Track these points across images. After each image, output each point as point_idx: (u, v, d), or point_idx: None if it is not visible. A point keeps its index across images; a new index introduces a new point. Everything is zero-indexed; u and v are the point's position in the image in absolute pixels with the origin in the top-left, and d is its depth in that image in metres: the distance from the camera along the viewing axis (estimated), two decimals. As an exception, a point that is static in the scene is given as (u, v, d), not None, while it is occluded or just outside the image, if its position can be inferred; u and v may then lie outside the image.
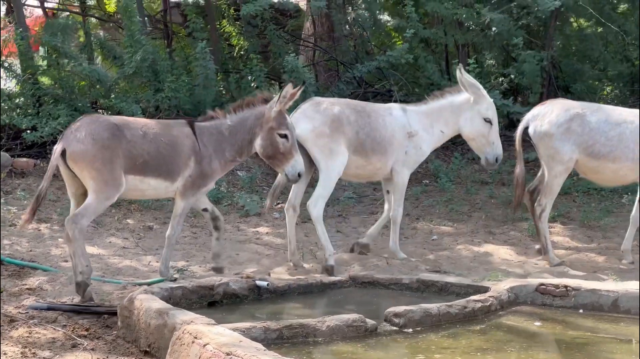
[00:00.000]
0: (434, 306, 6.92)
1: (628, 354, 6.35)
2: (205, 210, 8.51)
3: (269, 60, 16.20)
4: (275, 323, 6.24)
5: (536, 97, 14.52)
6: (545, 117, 9.96)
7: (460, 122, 9.77)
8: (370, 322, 6.52)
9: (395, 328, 6.68)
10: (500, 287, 7.57)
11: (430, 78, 15.04)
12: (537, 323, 7.13)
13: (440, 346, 6.42)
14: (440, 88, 14.55)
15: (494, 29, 14.36)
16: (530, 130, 10.02)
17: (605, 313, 7.31)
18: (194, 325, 5.84)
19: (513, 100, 14.53)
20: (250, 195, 12.06)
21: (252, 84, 14.40)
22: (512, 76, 14.55)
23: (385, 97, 15.15)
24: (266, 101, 8.16)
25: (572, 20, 16.66)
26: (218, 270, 8.51)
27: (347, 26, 16.75)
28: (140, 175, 7.89)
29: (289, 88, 8.03)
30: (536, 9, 13.79)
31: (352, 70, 15.20)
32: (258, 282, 7.58)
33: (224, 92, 15.10)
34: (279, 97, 8.03)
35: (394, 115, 9.76)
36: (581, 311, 7.37)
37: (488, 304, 7.22)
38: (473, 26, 15.14)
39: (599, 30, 16.07)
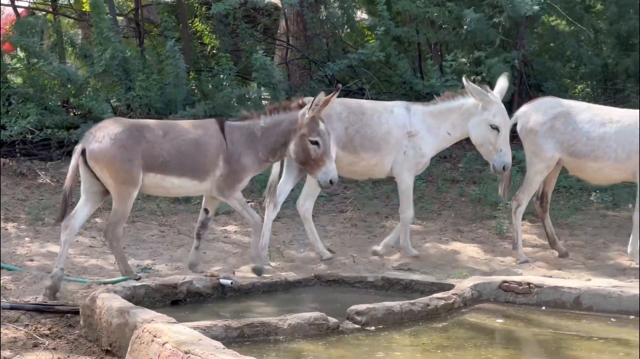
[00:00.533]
0: (396, 304, 6.92)
1: (588, 351, 6.39)
2: (206, 211, 8.59)
3: (242, 58, 16.19)
4: (237, 322, 6.24)
5: (507, 96, 14.54)
6: (532, 114, 10.00)
7: (468, 126, 9.65)
8: (332, 320, 6.51)
9: (357, 326, 6.67)
10: (464, 285, 7.59)
11: (403, 77, 15.05)
12: (500, 320, 7.14)
13: (401, 343, 6.46)
14: (412, 87, 14.72)
15: (465, 27, 14.38)
16: (518, 127, 10.07)
17: (568, 310, 7.34)
18: (154, 324, 5.82)
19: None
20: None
21: (225, 83, 14.37)
22: (484, 74, 14.55)
23: (358, 95, 15.14)
24: (301, 106, 8.23)
25: (544, 19, 16.70)
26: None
27: (320, 24, 16.73)
28: (161, 174, 8.15)
29: (321, 96, 8.07)
30: (509, 9, 13.80)
31: (323, 68, 15.20)
32: (222, 281, 7.57)
33: (195, 91, 15.08)
34: (312, 104, 8.08)
35: (394, 113, 9.75)
36: (543, 308, 7.40)
37: (451, 301, 7.23)
38: (445, 24, 15.17)
39: (572, 28, 16.13)
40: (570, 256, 10.20)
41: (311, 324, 6.41)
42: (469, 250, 10.34)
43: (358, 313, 6.73)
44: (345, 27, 17.16)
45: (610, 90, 16.11)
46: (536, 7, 13.15)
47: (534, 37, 16.66)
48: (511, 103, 13.70)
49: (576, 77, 16.75)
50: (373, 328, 6.69)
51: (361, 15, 18.28)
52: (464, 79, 9.56)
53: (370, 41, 15.33)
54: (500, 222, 11.18)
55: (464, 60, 16.13)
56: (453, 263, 9.78)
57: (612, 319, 7.13)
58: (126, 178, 8.00)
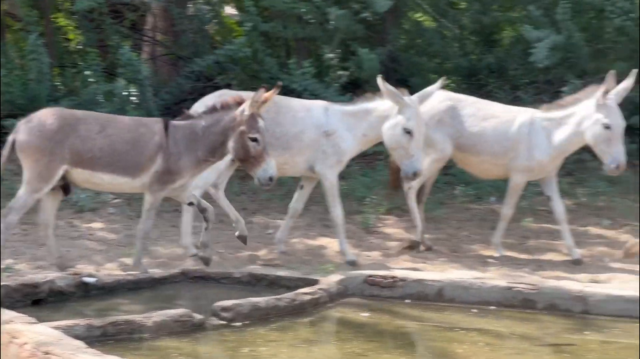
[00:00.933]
0: (262, 300, 6.95)
1: (450, 342, 6.53)
2: (191, 204, 8.59)
3: (108, 54, 15.96)
4: (99, 320, 6.18)
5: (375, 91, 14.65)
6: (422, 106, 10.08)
7: (382, 128, 9.46)
8: (197, 317, 6.51)
9: (223, 322, 6.69)
10: (330, 279, 7.66)
11: (270, 72, 15.04)
12: (365, 314, 7.24)
13: (267, 339, 6.48)
14: (278, 82, 14.69)
15: (332, 22, 14.45)
16: None
17: (431, 302, 7.49)
18: (13, 324, 5.72)
19: (352, 94, 14.61)
20: (84, 190, 11.84)
21: (90, 79, 14.15)
22: (351, 70, 14.67)
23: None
24: (240, 104, 8.12)
25: (409, 14, 16.91)
26: (205, 260, 8.46)
27: (187, 20, 16.60)
28: (89, 169, 8.10)
29: (261, 92, 7.96)
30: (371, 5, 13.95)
31: (191, 64, 15.10)
32: (85, 279, 7.46)
33: (61, 87, 14.81)
34: (251, 101, 7.97)
35: (310, 112, 9.67)
36: (408, 301, 7.52)
37: (317, 296, 7.28)
38: (312, 20, 15.22)
39: (436, 24, 16.38)
40: (435, 249, 10.39)
41: (176, 321, 6.40)
42: (335, 245, 10.35)
43: (224, 309, 6.74)
44: (213, 22, 17.07)
45: (474, 86, 16.38)
46: (389, 2, 13.28)
47: (400, 32, 16.84)
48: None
49: (442, 72, 16.98)
50: (239, 323, 6.71)
51: (229, 10, 18.21)
52: (379, 80, 9.34)
53: (238, 37, 15.29)
54: (367, 217, 11.29)
55: (331, 55, 16.26)
56: (320, 258, 9.84)
57: (474, 310, 7.31)
58: (42, 172, 7.99)
